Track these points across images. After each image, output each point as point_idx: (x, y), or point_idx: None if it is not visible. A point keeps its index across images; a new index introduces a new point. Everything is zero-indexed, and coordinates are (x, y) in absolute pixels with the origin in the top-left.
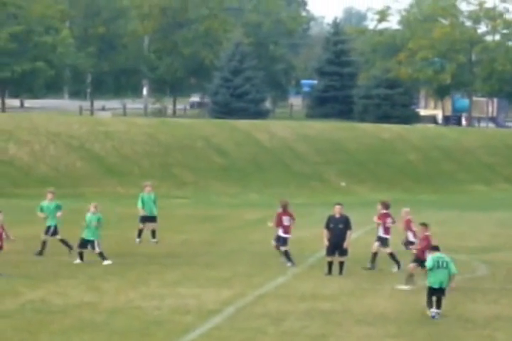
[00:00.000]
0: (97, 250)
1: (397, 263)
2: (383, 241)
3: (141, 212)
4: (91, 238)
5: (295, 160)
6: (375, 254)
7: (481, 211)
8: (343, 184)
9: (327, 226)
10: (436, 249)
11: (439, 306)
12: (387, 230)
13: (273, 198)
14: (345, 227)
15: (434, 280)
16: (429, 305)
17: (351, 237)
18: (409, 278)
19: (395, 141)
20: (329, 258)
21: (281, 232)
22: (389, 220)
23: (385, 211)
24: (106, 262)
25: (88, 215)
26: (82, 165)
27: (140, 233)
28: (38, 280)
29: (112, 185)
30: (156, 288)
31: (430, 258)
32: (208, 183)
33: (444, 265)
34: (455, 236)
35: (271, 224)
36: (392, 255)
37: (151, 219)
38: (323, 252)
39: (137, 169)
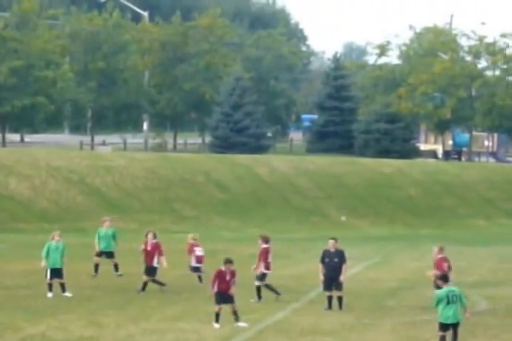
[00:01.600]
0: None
1: (275, 292)
2: (263, 276)
3: (97, 248)
4: (60, 266)
5: (295, 194)
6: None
7: (481, 246)
8: (343, 218)
9: (322, 261)
10: (444, 279)
11: (456, 339)
12: (268, 265)
13: (274, 233)
14: (340, 261)
15: (448, 315)
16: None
17: (347, 271)
18: None
19: (396, 176)
20: (328, 293)
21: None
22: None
23: (265, 245)
24: (67, 293)
25: (53, 244)
26: (83, 200)
27: (96, 268)
28: (38, 315)
29: (112, 220)
30: (157, 323)
31: (442, 292)
32: (208, 218)
33: (455, 299)
34: (455, 270)
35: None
36: (267, 286)
37: (108, 254)
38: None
39: (138, 204)
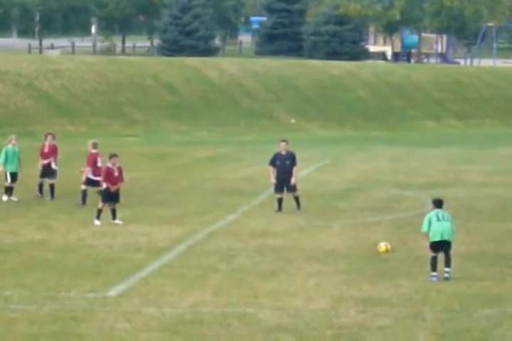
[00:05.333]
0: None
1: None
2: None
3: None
4: (17, 170)
5: (245, 97)
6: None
7: (431, 147)
8: (292, 121)
9: (273, 163)
10: (439, 204)
11: (448, 263)
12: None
13: (224, 136)
14: (292, 164)
15: (435, 232)
16: (433, 267)
17: (298, 173)
18: None
19: (345, 78)
20: (278, 195)
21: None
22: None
23: (94, 150)
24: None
25: (10, 147)
26: (32, 104)
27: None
28: None
29: (61, 124)
30: (107, 226)
31: (430, 215)
32: (158, 121)
33: (446, 218)
34: (405, 172)
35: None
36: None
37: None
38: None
39: (87, 107)
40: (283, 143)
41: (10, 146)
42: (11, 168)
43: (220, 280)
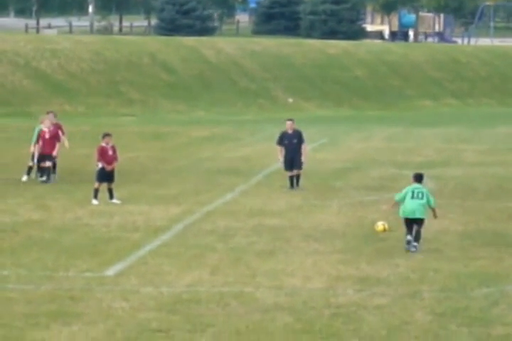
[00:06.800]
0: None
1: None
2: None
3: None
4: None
5: (242, 76)
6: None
7: (427, 126)
8: (290, 100)
9: (280, 143)
10: (418, 178)
11: (416, 238)
12: None
13: (221, 115)
14: (299, 142)
15: (405, 209)
16: (408, 231)
17: (307, 150)
18: None
19: (342, 57)
20: (289, 173)
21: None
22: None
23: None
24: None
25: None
26: (29, 83)
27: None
28: None
29: (58, 103)
30: (104, 206)
31: (406, 189)
32: (155, 101)
33: (420, 196)
34: (402, 151)
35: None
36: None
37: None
38: (271, 169)
39: (84, 87)
40: (289, 122)
41: (42, 126)
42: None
43: (218, 259)
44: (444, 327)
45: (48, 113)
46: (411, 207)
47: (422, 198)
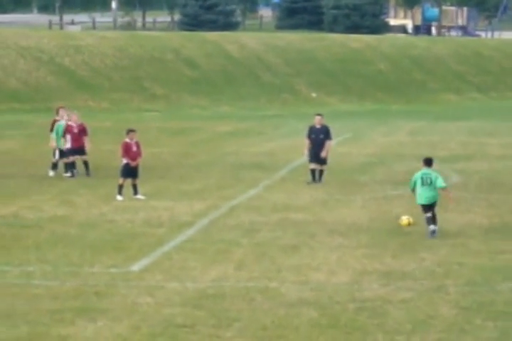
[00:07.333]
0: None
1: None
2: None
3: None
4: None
5: (265, 71)
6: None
7: (452, 120)
8: (313, 95)
9: (309, 137)
10: (428, 162)
11: (434, 222)
12: None
13: (245, 110)
14: (326, 137)
15: (420, 197)
16: (429, 223)
17: (331, 147)
18: None
19: (365, 51)
20: (312, 166)
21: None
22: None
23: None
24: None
25: (62, 123)
26: (53, 80)
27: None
28: (9, 196)
29: (82, 99)
30: (129, 202)
31: (416, 175)
32: (178, 96)
33: (429, 181)
34: (426, 145)
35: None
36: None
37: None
38: (295, 163)
39: (108, 83)
40: (318, 117)
41: (63, 122)
42: (60, 144)
43: (243, 254)
44: (469, 321)
45: (61, 108)
46: (424, 194)
47: (430, 183)
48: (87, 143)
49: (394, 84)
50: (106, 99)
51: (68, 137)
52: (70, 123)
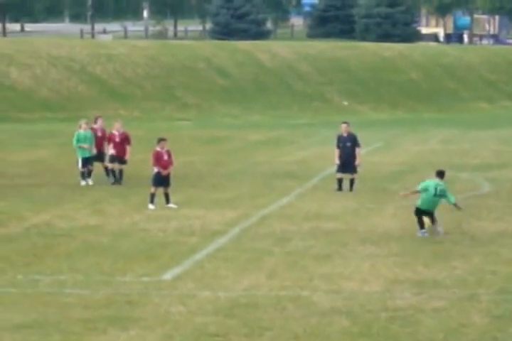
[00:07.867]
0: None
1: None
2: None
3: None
4: (90, 155)
5: (297, 80)
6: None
7: (484, 128)
8: (345, 103)
9: (338, 146)
10: (441, 175)
11: (434, 221)
12: None
13: (276, 119)
14: (353, 145)
15: (423, 202)
16: (421, 225)
17: (361, 154)
18: None
19: (397, 59)
20: (339, 175)
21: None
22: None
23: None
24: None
25: (82, 133)
26: (84, 89)
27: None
28: (42, 204)
29: (114, 108)
30: (161, 210)
31: (429, 183)
32: (210, 105)
33: (440, 193)
34: (459, 153)
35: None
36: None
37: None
38: (327, 172)
39: (139, 91)
40: (344, 125)
41: (82, 131)
42: (82, 154)
43: (274, 263)
44: (501, 329)
45: (98, 117)
46: (432, 203)
47: (441, 196)
48: (128, 153)
49: (425, 92)
50: (137, 108)
51: (111, 145)
52: (113, 131)
